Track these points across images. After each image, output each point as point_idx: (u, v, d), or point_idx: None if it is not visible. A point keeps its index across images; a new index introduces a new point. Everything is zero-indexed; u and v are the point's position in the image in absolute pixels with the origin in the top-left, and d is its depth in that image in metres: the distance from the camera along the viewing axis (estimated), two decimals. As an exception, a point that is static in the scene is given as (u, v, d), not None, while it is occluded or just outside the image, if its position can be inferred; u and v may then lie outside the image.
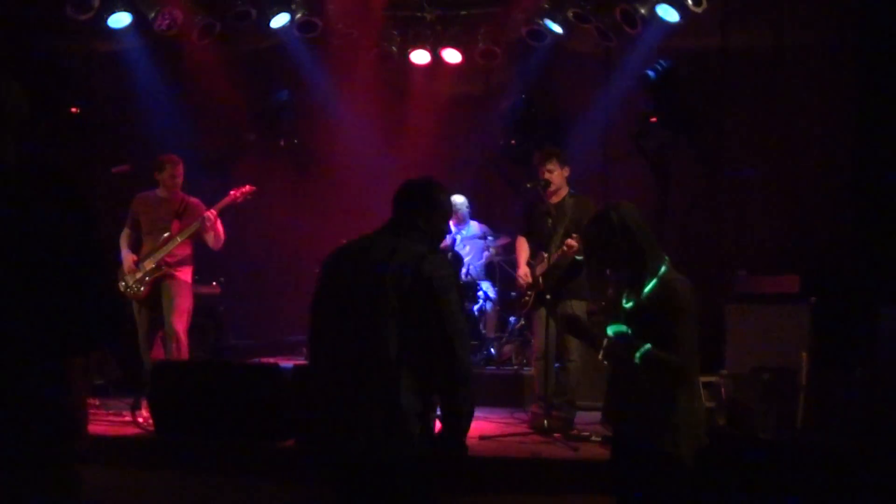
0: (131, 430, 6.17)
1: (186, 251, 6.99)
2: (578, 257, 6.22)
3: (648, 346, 3.45)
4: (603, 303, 6.85)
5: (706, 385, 6.18)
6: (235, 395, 5.85)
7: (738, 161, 8.54)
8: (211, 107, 9.36)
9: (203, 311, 7.88)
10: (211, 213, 6.85)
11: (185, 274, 6.98)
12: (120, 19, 8.25)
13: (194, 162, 7.69)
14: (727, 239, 8.59)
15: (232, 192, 7.05)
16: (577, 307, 6.37)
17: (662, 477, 3.49)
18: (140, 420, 6.26)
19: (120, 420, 6.42)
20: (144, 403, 6.24)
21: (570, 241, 6.16)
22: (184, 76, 9.30)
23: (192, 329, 7.05)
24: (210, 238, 6.95)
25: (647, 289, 3.53)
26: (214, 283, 8.36)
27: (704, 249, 8.55)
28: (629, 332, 3.54)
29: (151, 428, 6.07)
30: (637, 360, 3.47)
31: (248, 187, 7.10)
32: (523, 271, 6.69)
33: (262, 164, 9.56)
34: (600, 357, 3.69)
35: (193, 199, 7.09)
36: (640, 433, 3.56)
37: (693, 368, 3.54)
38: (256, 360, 8.26)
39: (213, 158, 9.14)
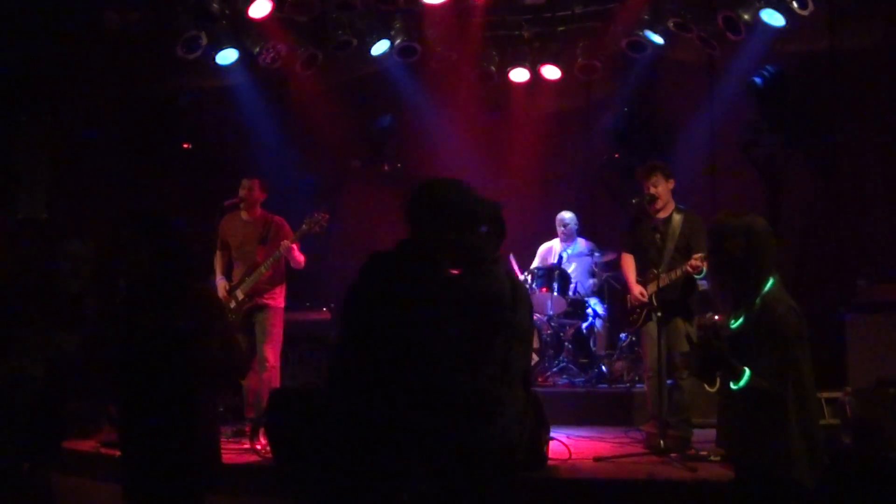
0: (251, 458, 6.31)
1: (277, 273, 7.10)
2: (698, 277, 6.08)
3: (748, 374, 3.39)
4: (709, 321, 6.72)
5: (829, 402, 5.98)
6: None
7: (853, 166, 8.24)
8: (316, 136, 9.55)
9: (314, 337, 8.02)
10: (287, 244, 6.93)
11: (278, 299, 7.09)
12: (227, 56, 8.52)
13: (302, 191, 7.87)
14: (845, 247, 8.27)
15: (305, 224, 7.04)
16: (684, 326, 6.25)
17: (782, 502, 3.40)
18: (258, 447, 6.39)
19: (238, 448, 6.56)
20: (261, 431, 6.37)
21: (695, 262, 5.98)
22: (289, 107, 9.54)
23: (304, 355, 7.17)
24: (291, 262, 7.07)
25: (747, 311, 3.50)
26: (325, 309, 8.50)
27: (822, 259, 8.27)
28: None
29: (269, 455, 6.19)
30: (735, 388, 3.42)
31: (322, 215, 7.11)
32: (638, 290, 6.54)
33: (368, 190, 9.71)
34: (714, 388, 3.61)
35: (277, 220, 7.18)
36: (753, 458, 3.48)
37: (800, 391, 3.44)
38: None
39: (320, 186, 9.32)
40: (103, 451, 6.39)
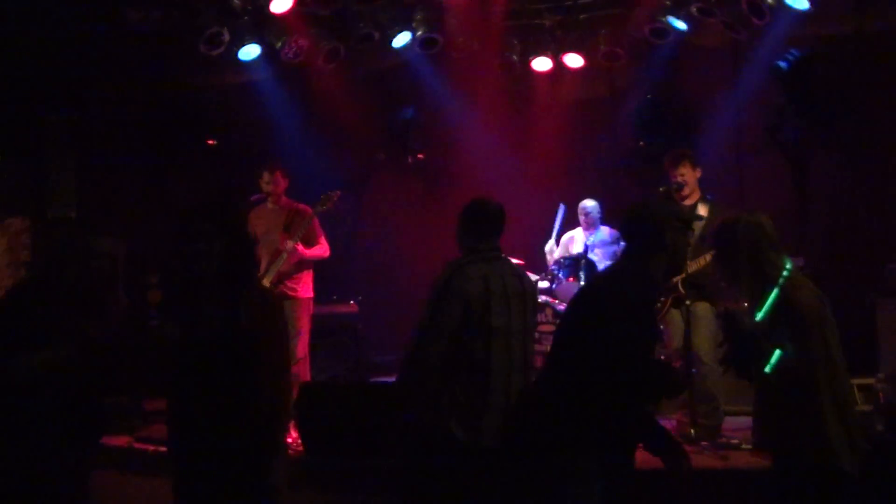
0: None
1: (303, 260, 7.16)
2: None
3: (777, 354, 3.42)
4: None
5: (861, 388, 5.93)
6: (382, 414, 5.94)
7: (881, 149, 8.15)
8: (340, 129, 9.57)
9: (342, 329, 8.06)
10: (290, 245, 6.96)
11: (305, 288, 7.14)
12: (249, 52, 8.55)
13: (328, 183, 7.90)
14: (874, 231, 8.19)
15: (319, 205, 7.21)
16: (710, 311, 6.24)
17: (823, 489, 3.40)
18: (289, 440, 6.44)
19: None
20: (292, 424, 6.42)
21: None
22: (313, 101, 9.56)
23: (332, 348, 7.21)
24: (305, 259, 7.12)
25: (769, 300, 3.52)
26: (352, 302, 8.54)
27: (851, 244, 8.19)
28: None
29: (300, 448, 6.24)
30: (767, 372, 3.44)
31: (333, 193, 7.24)
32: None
33: (393, 182, 9.72)
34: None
35: (300, 207, 7.27)
36: (792, 448, 3.47)
37: (832, 376, 3.44)
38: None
39: (346, 179, 9.33)
40: (137, 445, 6.48)
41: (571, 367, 3.44)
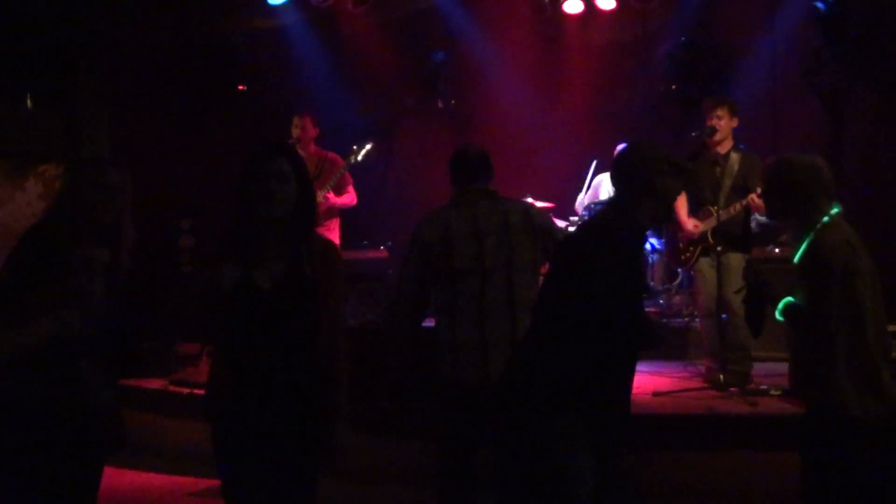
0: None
1: (331, 210, 7.21)
2: (760, 217, 6.02)
3: (788, 300, 3.41)
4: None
5: None
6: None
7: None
8: (369, 74, 9.53)
9: (372, 275, 8.10)
10: (321, 197, 6.97)
11: (333, 236, 7.17)
12: (279, -5, 8.52)
13: (358, 129, 7.91)
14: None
15: (351, 156, 7.25)
16: (740, 261, 6.19)
17: (841, 439, 3.40)
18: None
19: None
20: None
21: (756, 198, 5.93)
22: (342, 46, 9.52)
23: (363, 293, 7.26)
24: (335, 207, 7.20)
25: (805, 243, 3.50)
26: (382, 248, 8.57)
27: (886, 190, 8.07)
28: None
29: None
30: (778, 315, 3.45)
31: (366, 145, 7.26)
32: (692, 224, 6.47)
33: (422, 127, 9.69)
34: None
35: (331, 156, 7.31)
36: (811, 394, 3.49)
37: (857, 325, 3.40)
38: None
39: (375, 125, 9.31)
40: (172, 388, 6.60)
41: (555, 318, 3.38)
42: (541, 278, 4.21)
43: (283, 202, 3.12)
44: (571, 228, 8.00)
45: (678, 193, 3.62)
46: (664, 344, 5.89)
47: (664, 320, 8.11)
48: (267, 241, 3.16)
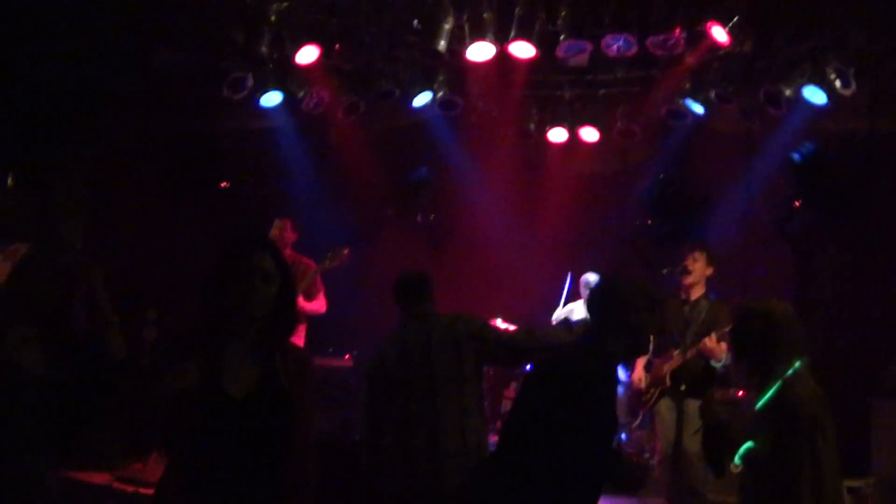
0: None
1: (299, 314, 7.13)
2: (715, 363, 6.03)
3: (749, 445, 3.42)
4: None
5: (850, 490, 5.87)
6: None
7: (888, 248, 8.16)
8: (353, 182, 9.64)
9: (335, 384, 8.03)
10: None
11: (298, 339, 7.10)
12: (271, 98, 8.65)
13: (335, 235, 7.93)
14: (877, 330, 8.16)
15: (326, 260, 7.22)
16: (695, 405, 6.18)
17: None
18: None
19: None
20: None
21: (709, 343, 5.95)
22: (328, 152, 9.64)
23: (323, 402, 7.17)
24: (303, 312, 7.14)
25: (770, 392, 3.51)
26: (347, 356, 8.52)
27: (852, 341, 8.15)
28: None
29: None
30: (737, 461, 3.44)
31: (342, 250, 7.24)
32: (637, 376, 6.51)
33: (400, 239, 9.76)
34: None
35: (305, 261, 7.28)
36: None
37: (817, 479, 3.39)
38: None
39: (353, 232, 9.37)
40: (117, 485, 6.42)
41: (521, 447, 3.34)
42: (480, 384, 4.60)
43: (263, 303, 2.86)
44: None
45: (654, 328, 3.65)
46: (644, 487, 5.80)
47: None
48: (238, 344, 2.87)
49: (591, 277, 8.54)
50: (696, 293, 6.38)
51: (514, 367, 5.28)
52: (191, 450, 2.82)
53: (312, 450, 3.24)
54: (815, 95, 7.78)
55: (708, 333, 6.10)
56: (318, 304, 7.31)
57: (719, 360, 5.96)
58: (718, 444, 3.66)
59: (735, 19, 7.37)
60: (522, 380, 3.90)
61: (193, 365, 2.77)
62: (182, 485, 2.83)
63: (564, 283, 8.62)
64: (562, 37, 7.67)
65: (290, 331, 3.07)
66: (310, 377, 3.11)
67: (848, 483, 5.86)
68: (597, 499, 3.44)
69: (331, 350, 8.31)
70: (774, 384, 3.53)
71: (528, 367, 6.68)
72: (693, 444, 6.05)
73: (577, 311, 8.53)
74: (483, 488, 3.47)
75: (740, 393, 7.14)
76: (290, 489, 3.01)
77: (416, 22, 8.02)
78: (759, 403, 3.58)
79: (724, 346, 5.85)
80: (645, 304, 3.41)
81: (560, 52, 7.85)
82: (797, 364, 3.56)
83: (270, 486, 2.89)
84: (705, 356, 6.06)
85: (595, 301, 3.53)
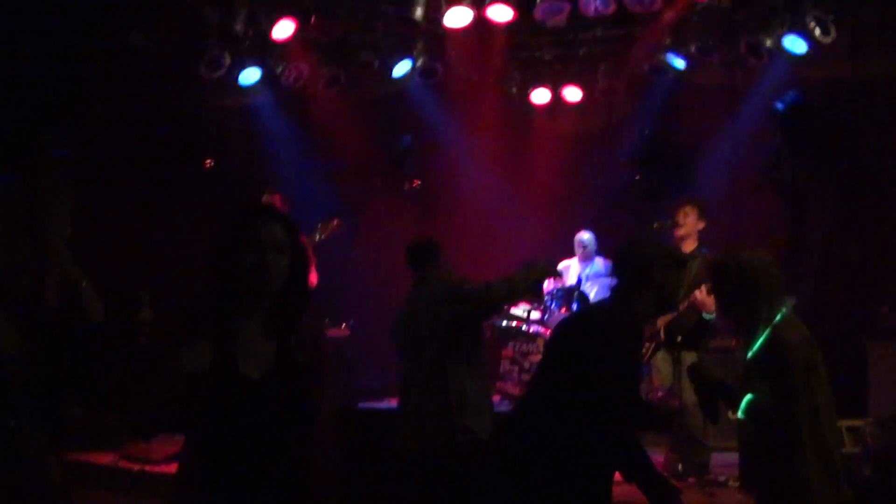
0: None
1: None
2: (706, 315, 6.07)
3: (749, 398, 3.43)
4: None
5: (850, 430, 5.93)
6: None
7: (875, 192, 8.20)
8: (338, 154, 9.61)
9: (333, 353, 8.03)
10: None
11: None
12: (249, 76, 8.59)
13: (325, 208, 7.91)
14: (867, 272, 8.21)
15: (317, 233, 7.29)
16: (690, 356, 6.23)
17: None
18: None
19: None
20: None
21: (700, 296, 5.98)
22: (311, 126, 9.60)
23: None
24: None
25: (759, 339, 3.53)
26: (344, 326, 8.51)
27: (843, 284, 8.21)
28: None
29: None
30: (739, 414, 3.47)
31: (332, 221, 7.28)
32: None
33: (389, 208, 9.74)
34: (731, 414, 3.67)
35: None
36: (771, 490, 3.48)
37: (814, 420, 3.43)
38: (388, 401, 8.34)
39: (342, 204, 9.36)
40: (123, 464, 6.44)
41: (549, 402, 3.41)
42: (469, 344, 4.77)
43: (277, 276, 2.67)
44: (535, 314, 8.03)
45: (679, 285, 3.70)
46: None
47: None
48: (250, 321, 2.70)
49: (585, 236, 8.55)
50: (689, 247, 6.42)
51: (485, 320, 5.33)
52: (208, 431, 2.67)
53: (333, 425, 3.21)
54: (795, 44, 7.78)
55: (699, 286, 6.15)
56: (311, 277, 7.30)
57: (711, 312, 6.00)
58: (711, 397, 3.70)
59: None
60: (550, 336, 3.98)
61: (207, 344, 2.61)
62: (203, 464, 2.69)
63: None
64: (539, -2, 7.63)
65: (305, 305, 2.83)
66: (328, 354, 2.97)
67: (847, 423, 5.93)
68: (618, 453, 3.53)
69: (327, 320, 8.31)
70: (762, 333, 3.54)
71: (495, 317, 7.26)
72: (691, 394, 6.08)
73: (572, 268, 8.55)
74: (511, 442, 3.53)
75: (734, 342, 7.19)
76: (312, 466, 2.93)
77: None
78: (750, 353, 3.60)
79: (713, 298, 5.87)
80: (669, 263, 3.49)
81: (538, 14, 7.82)
82: (783, 310, 3.58)
83: (293, 465, 2.74)
84: (697, 308, 6.10)
85: (620, 262, 3.61)
